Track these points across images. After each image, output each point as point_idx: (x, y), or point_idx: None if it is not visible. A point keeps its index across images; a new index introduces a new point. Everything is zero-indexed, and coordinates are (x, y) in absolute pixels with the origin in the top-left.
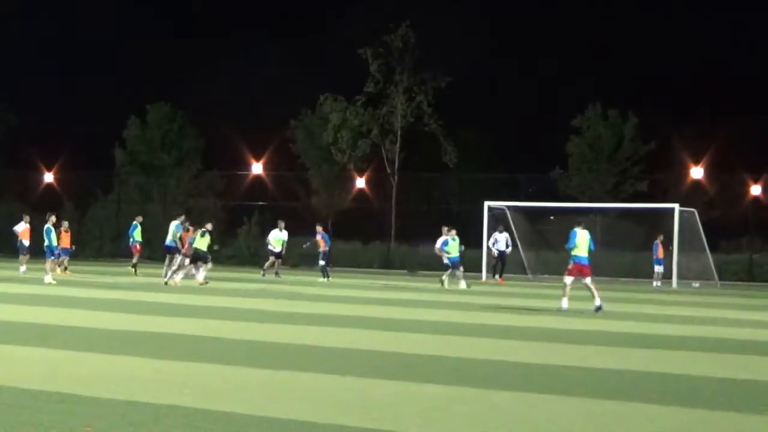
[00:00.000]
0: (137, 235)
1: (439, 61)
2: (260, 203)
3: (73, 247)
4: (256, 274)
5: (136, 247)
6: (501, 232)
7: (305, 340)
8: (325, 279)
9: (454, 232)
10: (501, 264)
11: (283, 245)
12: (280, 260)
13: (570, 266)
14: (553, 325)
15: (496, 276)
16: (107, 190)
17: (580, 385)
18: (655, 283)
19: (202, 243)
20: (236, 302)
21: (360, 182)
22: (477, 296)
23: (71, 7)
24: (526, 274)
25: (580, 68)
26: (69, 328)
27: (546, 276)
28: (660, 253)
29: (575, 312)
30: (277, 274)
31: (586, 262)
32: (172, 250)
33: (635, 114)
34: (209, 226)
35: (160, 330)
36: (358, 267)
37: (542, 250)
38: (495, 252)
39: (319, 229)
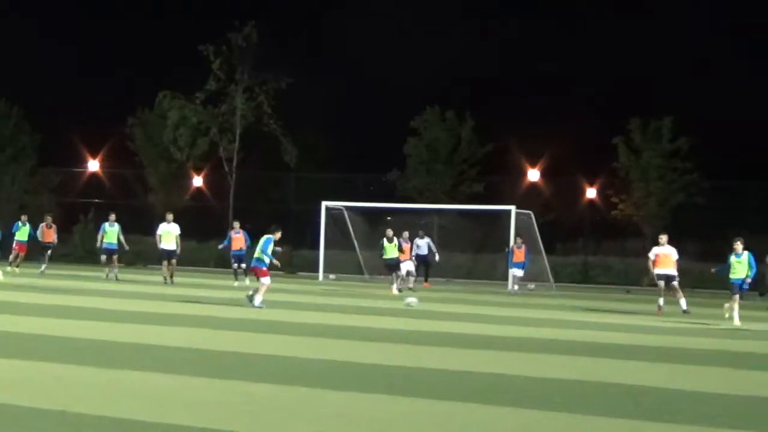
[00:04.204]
0: (19, 235)
1: (280, 61)
2: (96, 200)
3: None
4: (91, 272)
5: (22, 246)
6: (422, 237)
7: (139, 339)
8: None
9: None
10: (425, 268)
11: (177, 241)
12: (174, 261)
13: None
14: (387, 325)
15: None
16: None
17: (415, 386)
18: (514, 287)
19: (393, 251)
20: (70, 300)
21: (198, 180)
22: (313, 296)
23: None
24: (363, 274)
25: (418, 69)
26: None
27: (382, 276)
28: (518, 256)
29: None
30: (171, 277)
31: (259, 265)
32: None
33: (472, 116)
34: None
35: None
36: (195, 266)
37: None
38: (414, 259)
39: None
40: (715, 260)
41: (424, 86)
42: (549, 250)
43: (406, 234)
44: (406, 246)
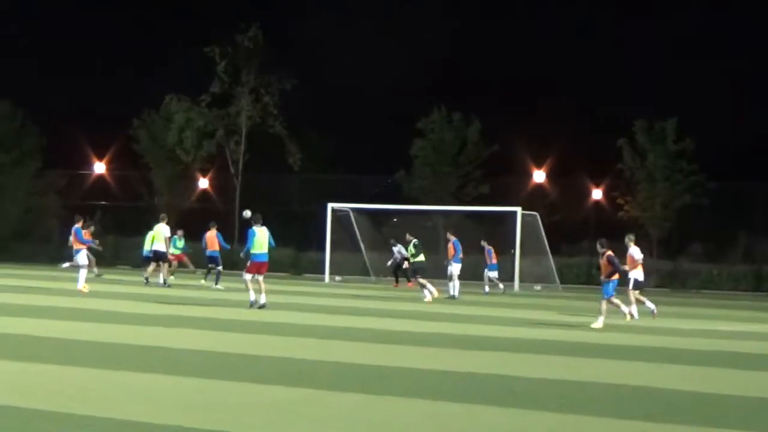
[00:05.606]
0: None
1: (285, 62)
2: (102, 203)
3: None
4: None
5: (181, 257)
6: (394, 245)
7: (145, 341)
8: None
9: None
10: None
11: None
12: (167, 263)
13: (249, 265)
14: (389, 327)
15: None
16: None
17: (420, 387)
18: (485, 288)
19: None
20: (77, 303)
21: (203, 183)
22: (318, 298)
23: None
24: (369, 275)
25: (425, 70)
26: None
27: (390, 278)
28: (493, 258)
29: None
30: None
31: (264, 260)
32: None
33: (478, 118)
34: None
35: None
36: (202, 268)
37: (385, 251)
38: (399, 257)
39: (449, 235)
40: (721, 261)
41: (430, 87)
42: (554, 252)
43: (450, 236)
44: (452, 246)
